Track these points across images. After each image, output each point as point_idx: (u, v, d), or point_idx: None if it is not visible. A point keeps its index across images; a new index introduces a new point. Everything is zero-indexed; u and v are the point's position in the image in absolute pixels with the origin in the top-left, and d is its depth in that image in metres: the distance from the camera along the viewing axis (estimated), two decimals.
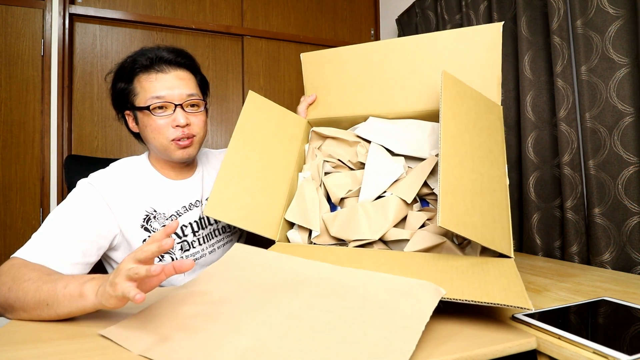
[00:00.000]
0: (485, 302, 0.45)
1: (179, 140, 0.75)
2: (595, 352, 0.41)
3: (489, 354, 0.42)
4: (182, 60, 0.78)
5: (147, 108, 0.73)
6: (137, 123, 0.79)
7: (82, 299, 0.50)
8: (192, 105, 0.78)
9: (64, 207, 0.70)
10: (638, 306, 0.54)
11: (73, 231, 0.67)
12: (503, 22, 0.77)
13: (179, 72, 0.77)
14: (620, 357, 0.39)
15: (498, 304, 0.45)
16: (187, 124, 0.75)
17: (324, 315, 0.46)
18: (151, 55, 0.75)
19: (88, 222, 0.69)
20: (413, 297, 0.48)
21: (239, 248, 0.67)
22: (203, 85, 0.84)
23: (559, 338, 0.45)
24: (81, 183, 0.75)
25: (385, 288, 0.51)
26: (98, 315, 0.56)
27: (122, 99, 0.78)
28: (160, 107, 0.74)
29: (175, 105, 0.74)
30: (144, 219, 0.77)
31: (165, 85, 0.74)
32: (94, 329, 0.50)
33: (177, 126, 0.75)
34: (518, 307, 0.44)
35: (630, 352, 0.39)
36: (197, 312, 0.50)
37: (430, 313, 0.44)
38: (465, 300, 0.46)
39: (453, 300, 0.47)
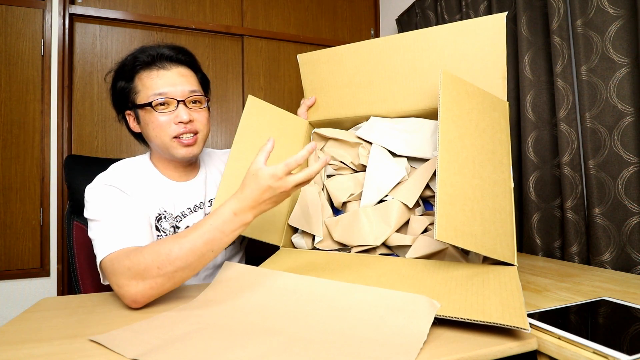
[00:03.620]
0: (481, 321, 0.45)
1: (181, 136, 0.75)
2: (595, 352, 0.41)
3: (490, 355, 0.42)
4: (183, 57, 0.78)
5: (150, 104, 0.73)
6: (138, 122, 0.78)
7: (243, 227, 0.61)
8: (195, 102, 0.77)
9: (101, 209, 0.69)
10: (638, 306, 0.54)
11: (127, 216, 0.69)
12: (507, 12, 0.73)
13: (180, 69, 0.76)
14: (620, 357, 0.39)
15: (495, 324, 0.44)
16: (190, 120, 0.74)
17: (321, 335, 0.46)
18: (152, 53, 0.75)
19: (131, 207, 0.71)
20: (409, 313, 0.48)
21: (230, 267, 0.66)
22: (204, 83, 0.83)
23: (559, 338, 0.45)
24: (96, 186, 0.73)
25: (381, 304, 0.51)
26: (96, 317, 0.56)
27: (123, 98, 0.77)
28: (163, 104, 0.73)
29: (178, 102, 0.74)
30: (157, 218, 0.77)
31: (167, 82, 0.74)
32: (93, 329, 0.51)
33: (179, 122, 0.74)
34: (515, 327, 0.43)
35: (630, 352, 0.39)
36: (192, 329, 0.49)
37: (427, 330, 0.44)
38: (462, 318, 0.46)
39: (449, 318, 0.47)
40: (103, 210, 0.69)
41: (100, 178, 0.75)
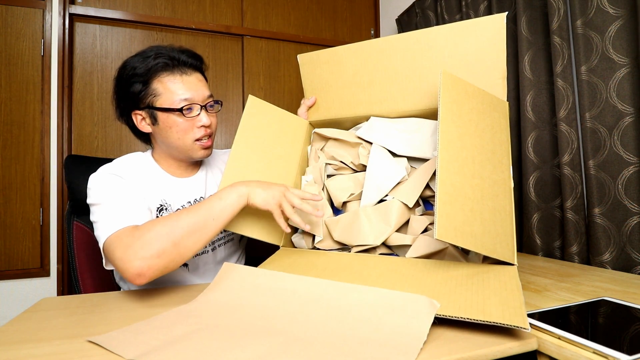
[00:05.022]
0: (481, 320, 0.45)
1: (201, 139, 0.78)
2: (595, 352, 0.41)
3: (490, 355, 0.42)
4: (200, 64, 0.81)
5: (180, 110, 0.74)
6: (153, 123, 0.78)
7: (239, 198, 0.68)
8: (212, 106, 0.80)
9: (109, 192, 0.71)
10: (638, 306, 0.54)
11: (129, 199, 0.71)
12: (507, 12, 0.73)
13: (198, 74, 0.80)
14: (620, 357, 0.39)
15: (494, 323, 0.44)
16: (210, 124, 0.78)
17: (321, 336, 0.46)
18: (174, 55, 0.76)
19: (134, 194, 0.73)
20: (409, 313, 0.48)
21: (229, 268, 0.65)
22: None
23: (559, 338, 0.45)
24: (100, 174, 0.75)
25: (380, 304, 0.50)
26: (96, 317, 0.56)
27: (134, 99, 0.77)
28: (189, 109, 0.76)
29: (201, 107, 0.76)
30: (158, 208, 0.78)
31: (191, 87, 0.76)
32: (93, 329, 0.51)
33: (201, 126, 0.77)
34: (514, 327, 0.43)
35: (630, 352, 0.39)
36: (191, 330, 0.48)
37: (427, 331, 0.44)
38: (461, 318, 0.46)
39: (449, 318, 0.47)
40: (105, 195, 0.71)
41: (104, 168, 0.77)
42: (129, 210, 0.69)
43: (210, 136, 0.80)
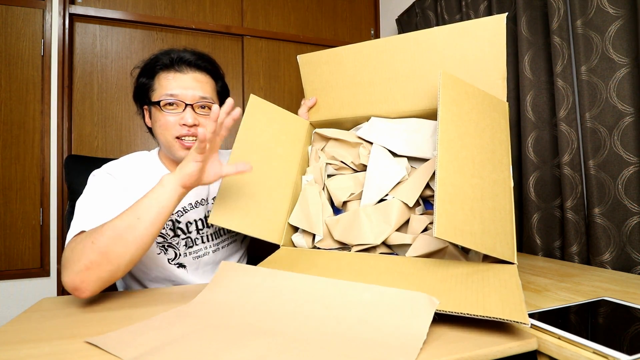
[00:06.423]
0: (480, 316, 0.45)
1: (183, 138, 0.76)
2: (595, 352, 0.41)
3: (490, 355, 0.42)
4: (203, 63, 0.80)
5: (158, 103, 0.76)
6: (150, 118, 0.81)
7: (163, 188, 0.61)
8: (204, 107, 0.79)
9: (89, 194, 0.72)
10: (638, 306, 0.54)
11: (108, 205, 0.70)
12: (507, 13, 0.73)
13: (197, 74, 0.79)
14: (620, 357, 0.39)
15: (494, 318, 0.44)
16: (194, 124, 0.76)
17: (321, 336, 0.46)
18: (173, 56, 0.78)
19: (115, 199, 0.72)
20: (408, 312, 0.48)
21: (227, 267, 0.65)
22: (223, 92, 0.85)
23: (559, 338, 0.45)
24: (98, 173, 0.77)
25: (380, 303, 0.50)
26: (96, 317, 0.56)
27: (142, 93, 0.81)
28: (171, 104, 0.76)
29: (186, 105, 0.76)
30: None
31: (181, 85, 0.76)
32: (93, 329, 0.51)
33: (183, 125, 0.76)
34: (514, 322, 0.44)
35: (630, 352, 0.39)
36: (190, 331, 0.48)
37: (427, 329, 0.44)
38: (461, 313, 0.46)
39: (449, 313, 0.47)
40: (88, 193, 0.72)
41: (105, 166, 0.78)
42: (100, 213, 0.67)
43: (196, 137, 0.77)
